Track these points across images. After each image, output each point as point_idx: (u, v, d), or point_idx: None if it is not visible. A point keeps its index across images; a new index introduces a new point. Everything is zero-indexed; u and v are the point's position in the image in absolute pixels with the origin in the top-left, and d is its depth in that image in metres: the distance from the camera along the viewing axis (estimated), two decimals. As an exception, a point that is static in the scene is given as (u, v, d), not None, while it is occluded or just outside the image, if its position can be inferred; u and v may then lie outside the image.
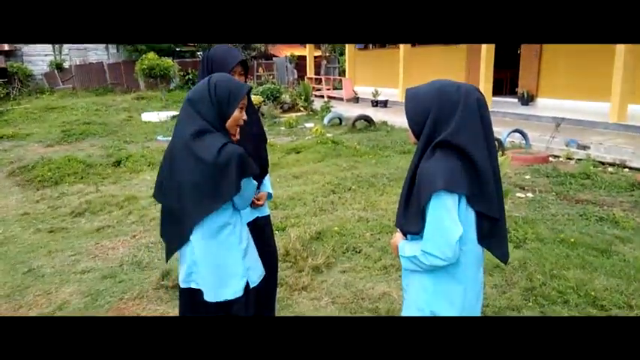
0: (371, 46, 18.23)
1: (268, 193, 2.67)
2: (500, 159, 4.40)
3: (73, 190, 6.60)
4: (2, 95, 17.38)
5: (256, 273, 2.19)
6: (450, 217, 1.58)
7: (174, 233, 2.10)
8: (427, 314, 1.73)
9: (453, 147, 1.61)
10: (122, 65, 21.68)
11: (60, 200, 6.16)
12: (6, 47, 20.17)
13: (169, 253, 2.19)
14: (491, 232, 1.71)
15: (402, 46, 14.21)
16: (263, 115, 13.04)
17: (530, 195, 5.70)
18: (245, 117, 2.09)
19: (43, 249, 4.51)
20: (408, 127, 1.78)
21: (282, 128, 11.51)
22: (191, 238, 2.05)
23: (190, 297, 2.13)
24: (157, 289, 3.59)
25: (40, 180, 7.09)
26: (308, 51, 20.22)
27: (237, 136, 2.11)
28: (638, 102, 9.20)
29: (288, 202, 5.61)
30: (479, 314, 1.83)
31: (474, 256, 1.71)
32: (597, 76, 10.07)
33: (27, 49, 20.78)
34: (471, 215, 1.66)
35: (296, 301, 3.42)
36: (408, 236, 1.76)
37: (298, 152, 8.47)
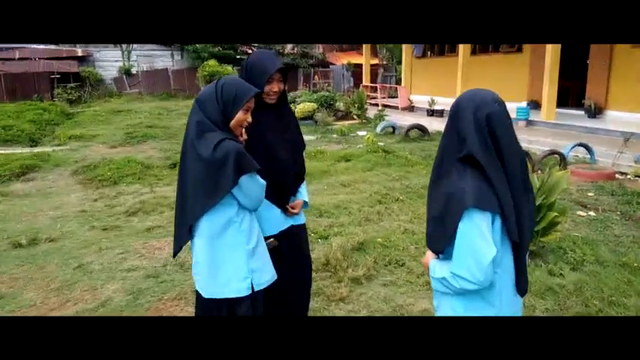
0: (429, 53, 17.89)
1: (304, 201, 2.62)
2: (558, 174, 4.13)
3: (130, 190, 6.86)
4: (74, 98, 18.49)
5: (264, 276, 2.14)
6: (481, 237, 1.45)
7: (181, 229, 2.12)
8: None
9: (474, 163, 1.50)
10: (185, 72, 22.56)
11: (116, 199, 6.42)
12: (79, 53, 21.52)
13: (176, 248, 2.20)
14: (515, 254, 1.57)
15: (460, 53, 13.83)
16: (317, 122, 13.08)
17: (592, 214, 5.33)
18: (250, 119, 2.10)
19: (94, 246, 4.69)
20: None
21: (335, 136, 11.49)
22: (196, 234, 2.05)
23: (199, 296, 2.15)
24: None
25: (100, 179, 7.44)
26: (365, 59, 20.12)
27: (245, 136, 2.12)
28: None
29: (333, 210, 5.55)
30: None
31: (511, 280, 1.58)
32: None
33: (98, 55, 22.06)
34: (506, 235, 1.52)
35: (332, 312, 3.34)
36: (441, 255, 1.65)
37: (348, 160, 8.40)
